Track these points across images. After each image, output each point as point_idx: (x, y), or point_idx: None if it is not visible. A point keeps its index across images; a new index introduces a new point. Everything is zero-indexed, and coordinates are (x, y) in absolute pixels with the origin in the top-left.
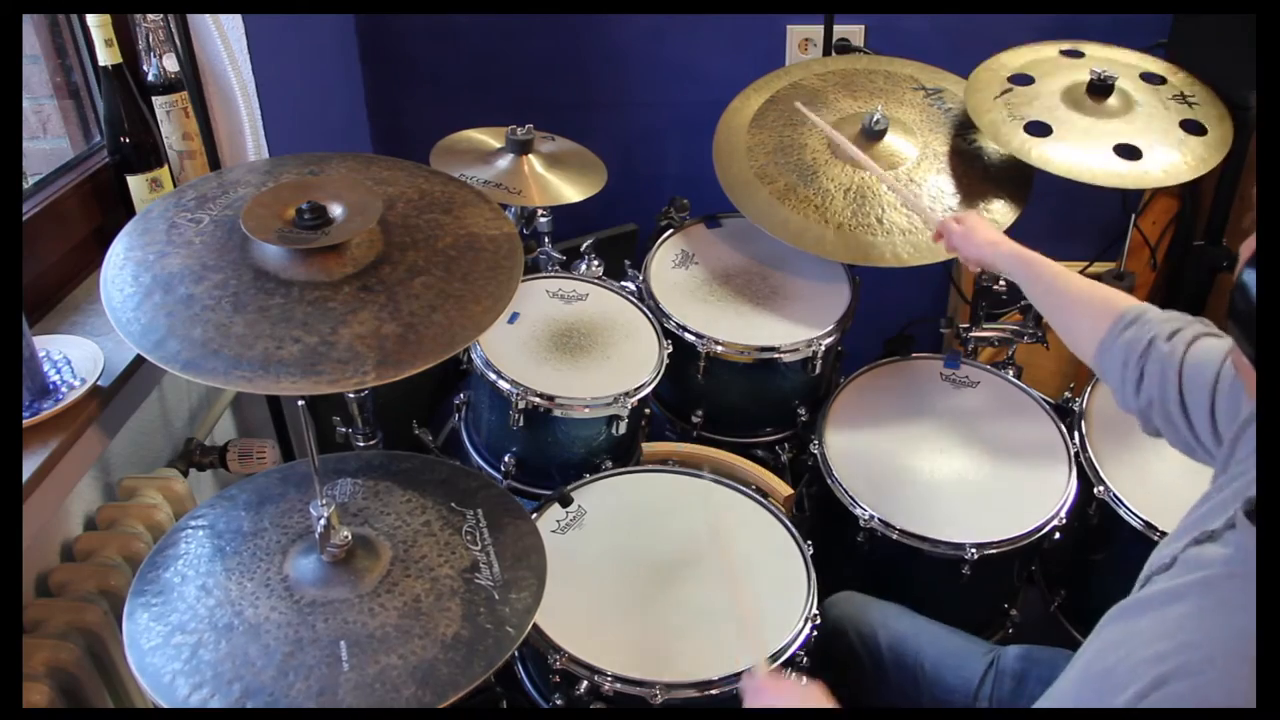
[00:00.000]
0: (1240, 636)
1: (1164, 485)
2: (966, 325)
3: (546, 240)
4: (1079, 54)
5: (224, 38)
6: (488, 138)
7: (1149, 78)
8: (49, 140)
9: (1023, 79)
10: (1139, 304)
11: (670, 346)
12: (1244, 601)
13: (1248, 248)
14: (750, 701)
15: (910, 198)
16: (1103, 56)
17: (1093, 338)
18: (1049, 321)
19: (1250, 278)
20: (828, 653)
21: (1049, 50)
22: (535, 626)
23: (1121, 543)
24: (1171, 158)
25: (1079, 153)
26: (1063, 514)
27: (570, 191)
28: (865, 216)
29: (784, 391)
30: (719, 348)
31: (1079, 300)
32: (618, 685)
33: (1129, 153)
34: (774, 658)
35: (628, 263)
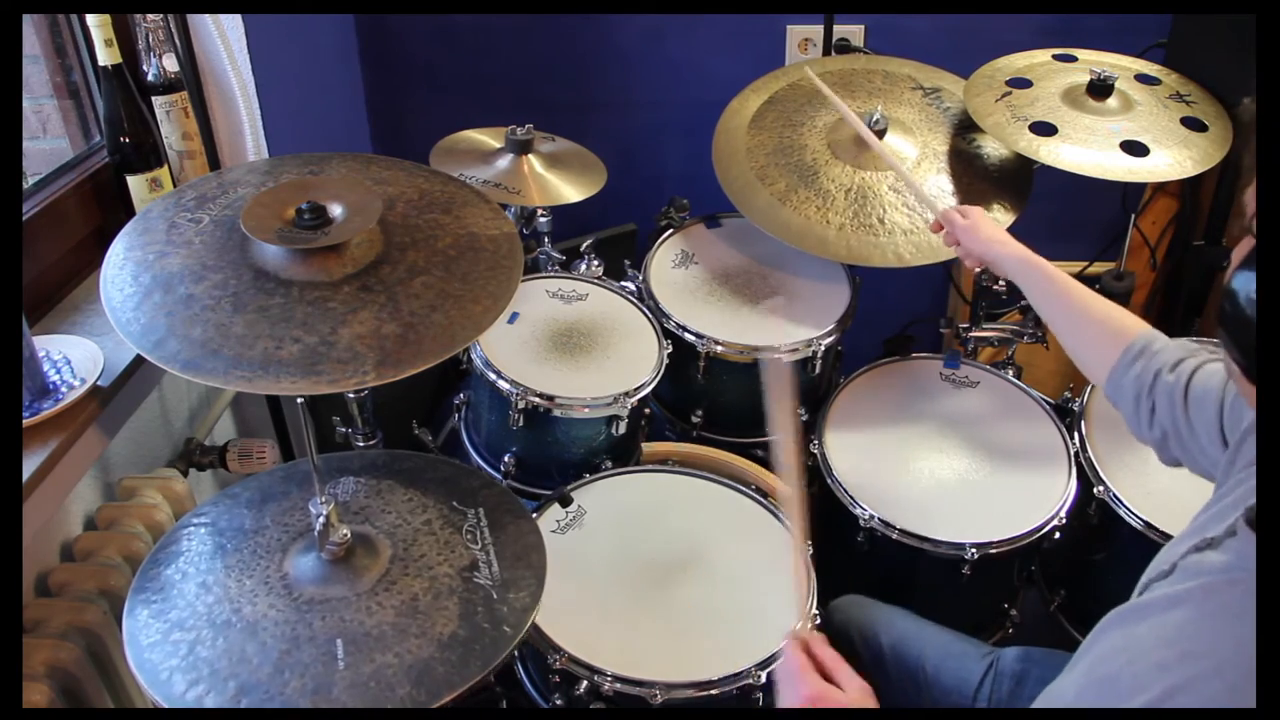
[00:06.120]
0: (1243, 645)
1: (1164, 485)
2: (966, 325)
3: (546, 240)
4: (1072, 58)
5: (224, 38)
6: (488, 138)
7: (1144, 79)
8: (49, 140)
9: (1020, 82)
10: (1145, 331)
11: (670, 346)
12: (1245, 608)
13: (1239, 252)
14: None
15: (912, 180)
16: (1094, 60)
17: (1102, 365)
18: (1054, 332)
19: (1240, 284)
20: None
21: (1041, 55)
22: (535, 626)
23: (1121, 543)
24: (1177, 153)
25: (1087, 151)
26: (1062, 514)
27: (570, 191)
28: (866, 217)
29: None
30: (719, 348)
31: (1090, 322)
32: (618, 685)
33: (1135, 149)
34: (773, 658)
35: (628, 263)
